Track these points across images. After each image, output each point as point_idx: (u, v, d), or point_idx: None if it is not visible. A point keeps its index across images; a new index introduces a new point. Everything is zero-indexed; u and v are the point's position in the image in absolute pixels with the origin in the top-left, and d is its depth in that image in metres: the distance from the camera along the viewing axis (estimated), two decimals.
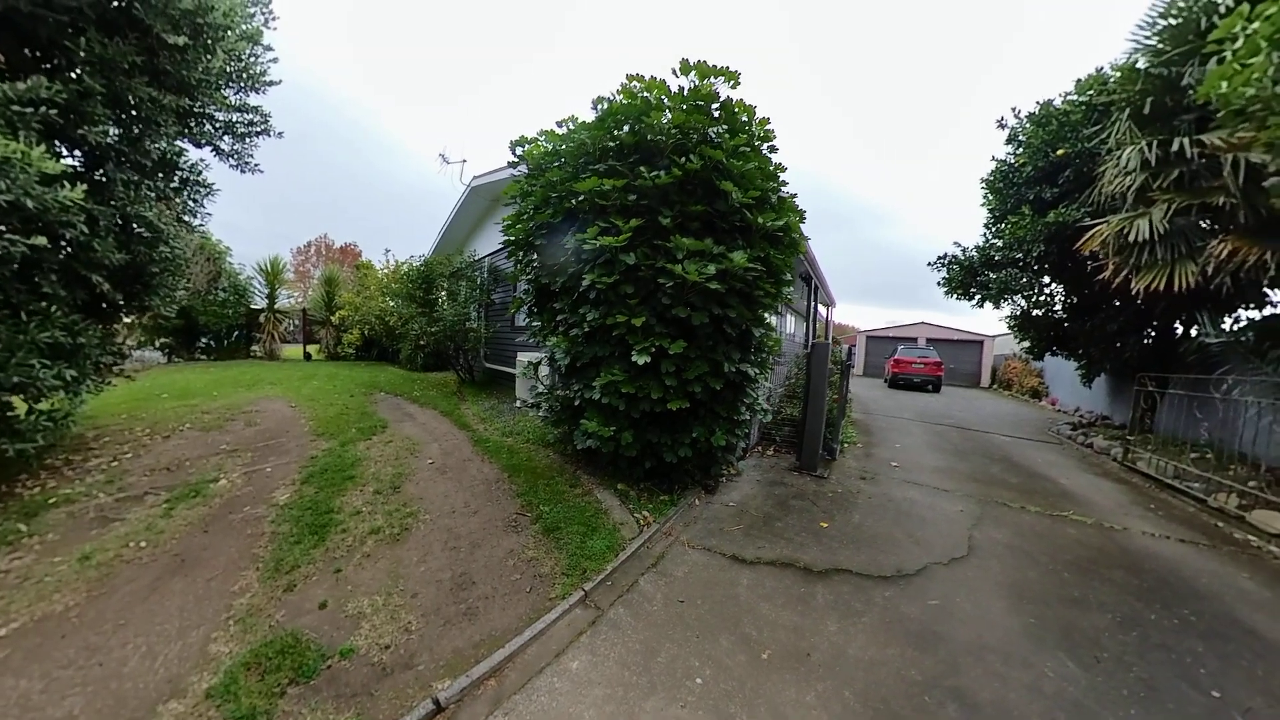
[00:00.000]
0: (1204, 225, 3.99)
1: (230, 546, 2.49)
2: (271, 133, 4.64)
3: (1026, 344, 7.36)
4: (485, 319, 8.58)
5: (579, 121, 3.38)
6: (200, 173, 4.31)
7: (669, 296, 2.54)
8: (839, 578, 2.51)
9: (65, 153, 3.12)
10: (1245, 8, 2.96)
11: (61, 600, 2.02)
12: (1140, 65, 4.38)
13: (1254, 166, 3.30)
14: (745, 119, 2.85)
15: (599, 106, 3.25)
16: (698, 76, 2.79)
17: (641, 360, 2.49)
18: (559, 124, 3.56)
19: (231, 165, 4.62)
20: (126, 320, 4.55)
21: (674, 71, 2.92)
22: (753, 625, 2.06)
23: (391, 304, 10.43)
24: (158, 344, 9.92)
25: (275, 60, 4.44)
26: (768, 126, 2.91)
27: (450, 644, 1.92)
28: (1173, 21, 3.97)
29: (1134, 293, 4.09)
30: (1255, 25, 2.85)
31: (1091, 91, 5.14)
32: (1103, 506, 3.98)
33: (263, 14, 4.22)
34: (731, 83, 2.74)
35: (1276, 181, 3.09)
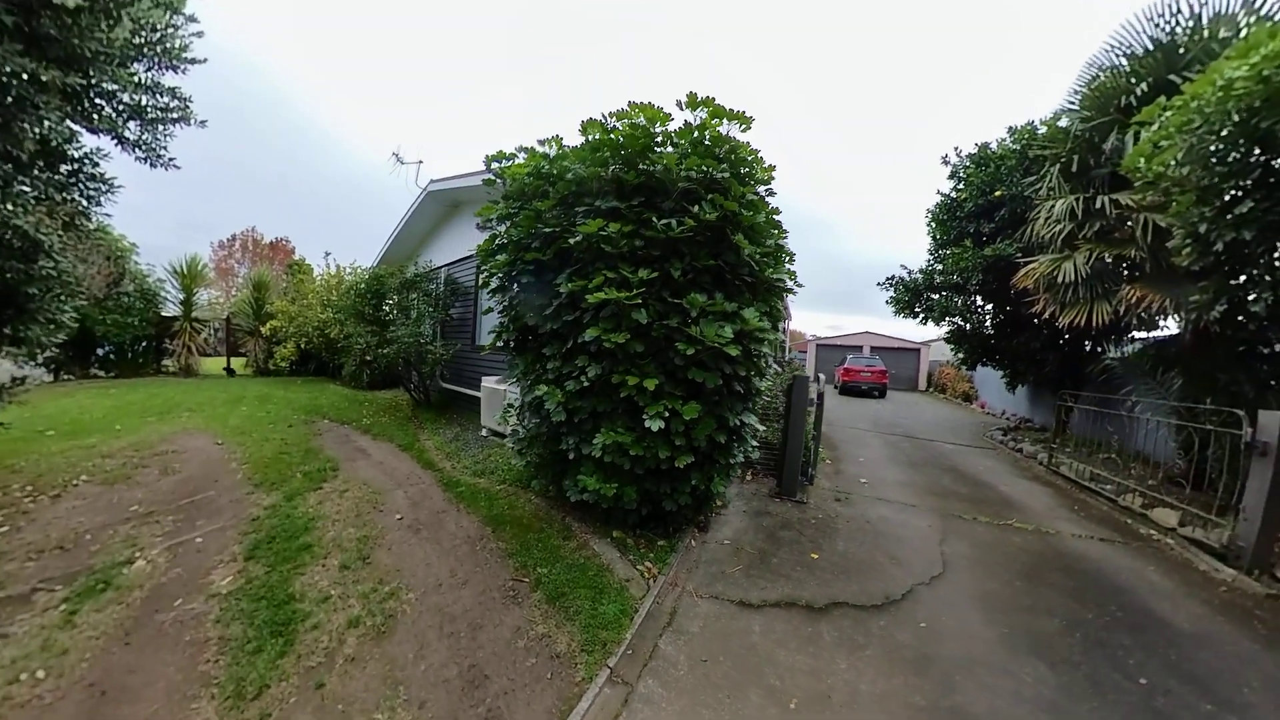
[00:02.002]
0: (1120, 271, 4.65)
1: (167, 664, 2.01)
2: (193, 120, 3.85)
3: (961, 355, 8.21)
4: (442, 335, 7.92)
5: (567, 146, 3.14)
6: (97, 164, 3.47)
7: (683, 358, 2.44)
8: (838, 612, 2.62)
9: None
10: (1163, 99, 3.44)
11: None
12: (1063, 124, 5.01)
13: (1159, 227, 3.90)
14: (751, 163, 2.79)
15: (590, 134, 3.04)
16: (707, 115, 2.68)
17: (656, 426, 2.37)
18: (541, 143, 3.29)
19: (138, 158, 3.77)
20: None
21: (679, 104, 2.77)
22: (775, 675, 2.10)
23: (333, 314, 9.35)
24: (40, 359, 8.09)
25: (200, 34, 3.67)
26: (771, 172, 2.88)
27: None
28: (1090, 90, 4.58)
29: (1060, 326, 4.70)
30: (1169, 114, 3.35)
31: (1023, 141, 5.79)
32: (1037, 511, 4.47)
33: None
34: (744, 127, 2.66)
35: (1177, 243, 3.66)
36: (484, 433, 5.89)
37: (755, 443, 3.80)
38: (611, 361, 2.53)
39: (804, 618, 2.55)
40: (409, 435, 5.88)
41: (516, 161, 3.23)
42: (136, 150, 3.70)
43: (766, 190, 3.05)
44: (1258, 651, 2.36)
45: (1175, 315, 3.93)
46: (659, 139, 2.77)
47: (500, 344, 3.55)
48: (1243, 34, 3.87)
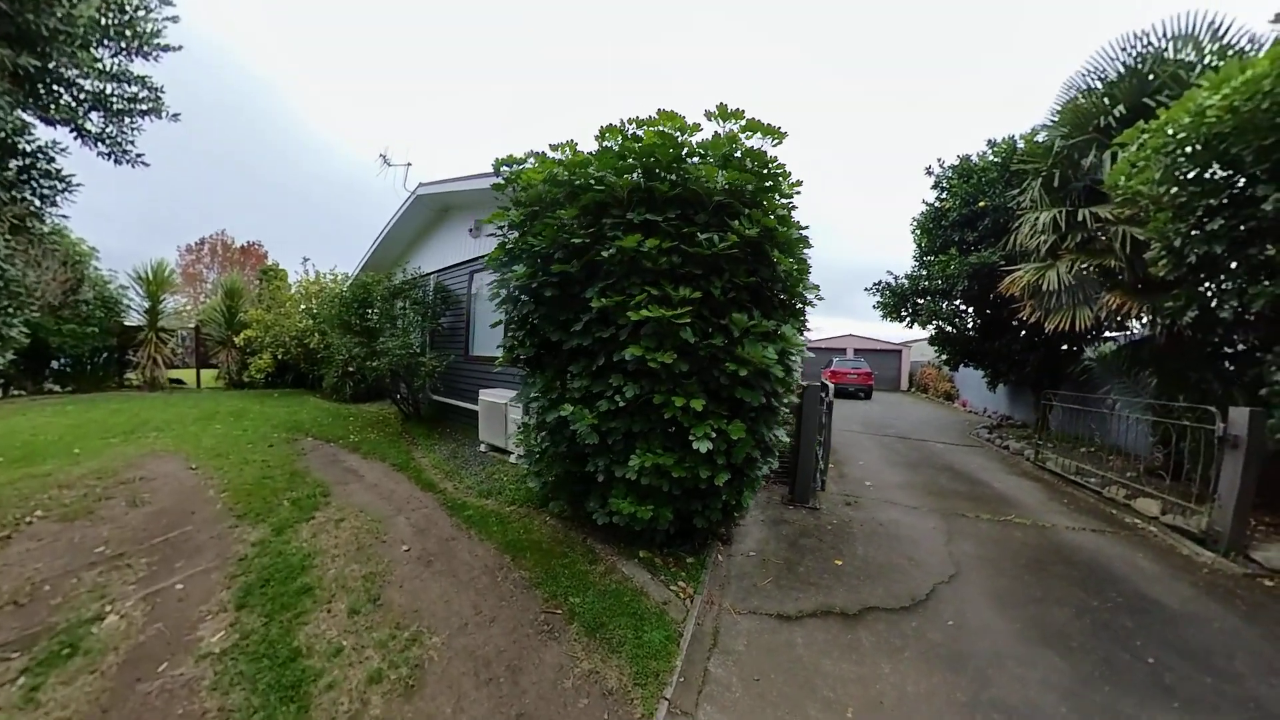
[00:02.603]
0: (1099, 279, 4.91)
1: None
2: (164, 113, 3.37)
3: (944, 357, 8.51)
4: (432, 345, 7.49)
5: (583, 152, 2.97)
6: (53, 159, 2.98)
7: (729, 378, 2.31)
8: (872, 617, 2.61)
9: None
10: (1142, 123, 3.65)
11: None
12: (1041, 139, 5.27)
13: (1137, 239, 4.13)
14: (779, 176, 2.72)
15: (610, 141, 2.88)
16: (738, 127, 2.58)
17: (705, 448, 2.22)
18: (553, 148, 3.11)
19: (101, 153, 3.28)
20: None
21: (707, 114, 2.66)
22: (827, 686, 2.06)
23: (311, 323, 8.75)
24: None
25: (175, 19, 3.23)
26: (797, 187, 2.81)
27: None
28: (1070, 110, 4.83)
29: (1043, 329, 4.92)
30: (1147, 136, 3.56)
31: (1004, 155, 6.06)
32: (1031, 506, 4.60)
33: None
34: (776, 140, 2.56)
35: (1153, 255, 3.88)
36: (482, 448, 5.57)
37: (777, 453, 3.73)
38: (651, 381, 2.36)
39: (841, 625, 2.52)
40: (402, 453, 5.44)
41: (528, 166, 3.03)
42: (99, 145, 3.19)
43: (788, 204, 2.99)
44: (1242, 626, 2.55)
45: (1153, 320, 4.17)
46: (685, 150, 2.66)
47: (514, 359, 3.33)
48: (1206, 59, 4.17)
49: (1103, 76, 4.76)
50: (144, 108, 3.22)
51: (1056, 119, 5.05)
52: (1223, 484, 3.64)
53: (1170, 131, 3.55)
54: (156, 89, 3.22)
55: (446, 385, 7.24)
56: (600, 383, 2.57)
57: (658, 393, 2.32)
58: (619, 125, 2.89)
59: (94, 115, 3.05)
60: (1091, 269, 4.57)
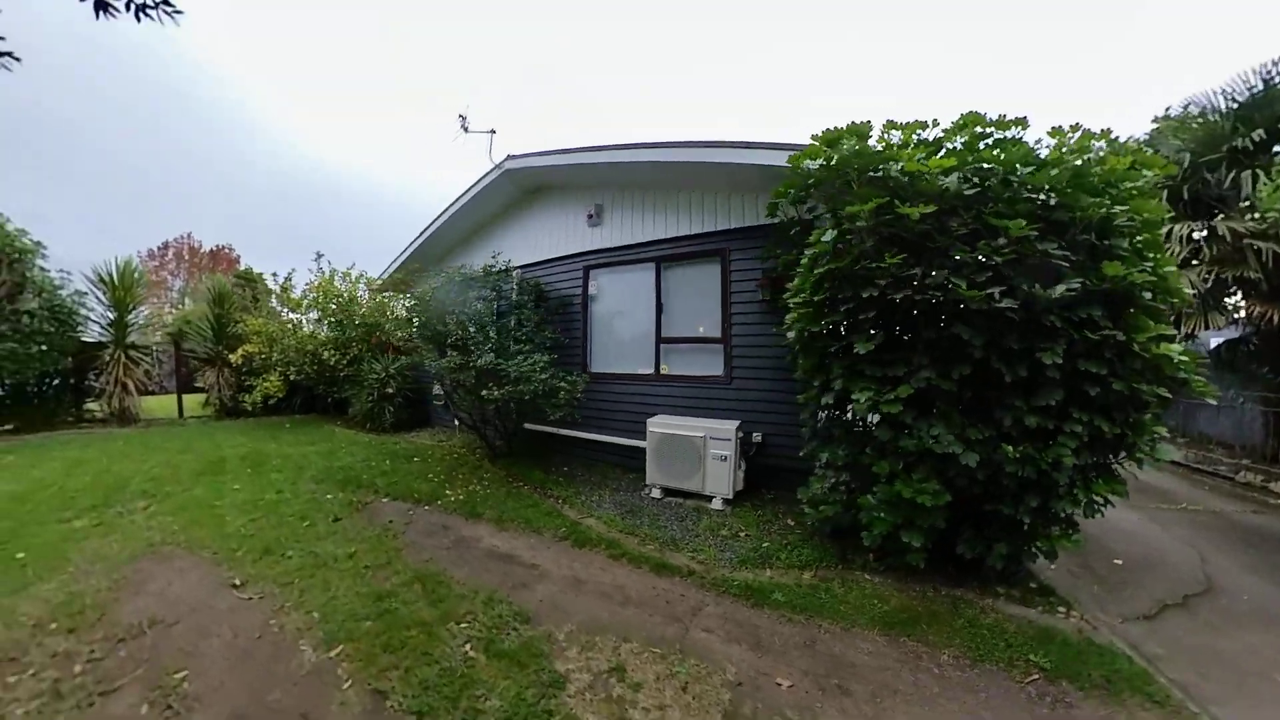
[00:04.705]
0: (1227, 286, 5.67)
1: None
2: None
3: None
4: (508, 357, 6.35)
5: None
6: None
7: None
8: (1195, 602, 2.91)
9: None
10: None
11: None
12: (1144, 148, 6.01)
13: (1277, 253, 4.88)
14: None
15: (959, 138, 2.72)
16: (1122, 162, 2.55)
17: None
18: (890, 128, 2.89)
19: None
20: None
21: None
22: (1243, 662, 2.34)
23: (335, 334, 7.32)
24: None
25: None
26: None
27: None
28: (1198, 129, 5.56)
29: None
30: None
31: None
32: (1186, 494, 5.02)
33: None
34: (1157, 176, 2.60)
35: None
36: (655, 493, 4.49)
37: None
38: (1120, 413, 2.32)
39: (1184, 614, 2.77)
40: (546, 512, 3.92)
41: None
42: None
43: None
44: None
45: None
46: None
47: (915, 392, 2.64)
48: None
49: (1230, 96, 5.53)
50: None
51: (1166, 133, 5.79)
52: None
53: None
54: None
55: (540, 411, 6.23)
56: (1043, 417, 2.41)
57: (1125, 424, 2.27)
58: (965, 120, 2.75)
59: None
60: (1229, 278, 5.30)
